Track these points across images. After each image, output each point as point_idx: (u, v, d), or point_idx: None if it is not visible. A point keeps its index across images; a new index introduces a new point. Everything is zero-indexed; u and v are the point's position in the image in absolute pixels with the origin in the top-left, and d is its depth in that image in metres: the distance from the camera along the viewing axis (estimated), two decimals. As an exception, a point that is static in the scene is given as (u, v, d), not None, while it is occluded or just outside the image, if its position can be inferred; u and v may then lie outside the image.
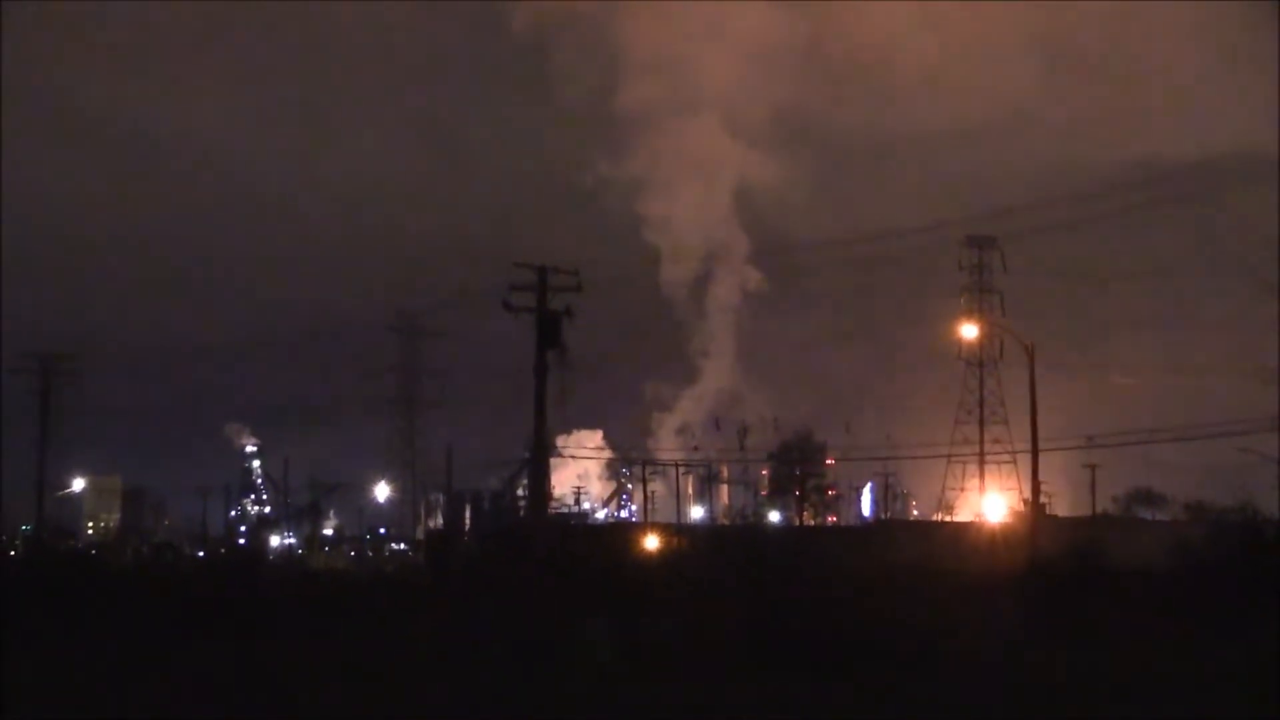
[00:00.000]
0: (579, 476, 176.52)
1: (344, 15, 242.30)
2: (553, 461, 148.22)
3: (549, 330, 67.37)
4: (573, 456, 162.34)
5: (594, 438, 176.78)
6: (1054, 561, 54.25)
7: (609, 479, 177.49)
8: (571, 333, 67.97)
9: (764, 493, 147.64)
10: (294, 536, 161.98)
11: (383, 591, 59.78)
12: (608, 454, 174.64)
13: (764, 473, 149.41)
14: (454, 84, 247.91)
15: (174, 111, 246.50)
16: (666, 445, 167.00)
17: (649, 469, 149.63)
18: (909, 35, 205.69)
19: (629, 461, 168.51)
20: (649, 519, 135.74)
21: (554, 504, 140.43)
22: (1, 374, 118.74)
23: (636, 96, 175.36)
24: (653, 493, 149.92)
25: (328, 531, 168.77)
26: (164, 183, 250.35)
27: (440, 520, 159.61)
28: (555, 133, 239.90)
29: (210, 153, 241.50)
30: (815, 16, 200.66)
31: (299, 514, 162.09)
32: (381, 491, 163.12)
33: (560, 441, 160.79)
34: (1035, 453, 73.50)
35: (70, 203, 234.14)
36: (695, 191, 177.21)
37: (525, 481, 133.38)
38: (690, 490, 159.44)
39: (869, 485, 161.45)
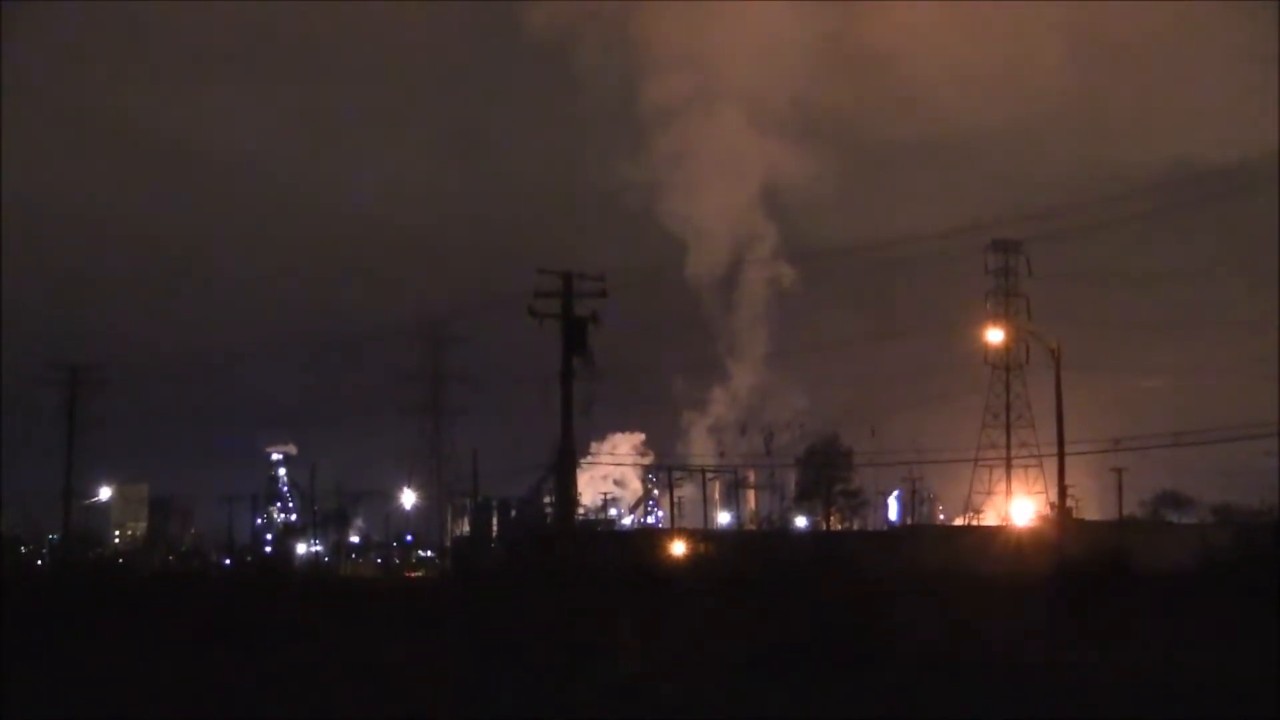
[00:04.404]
0: (615, 481, 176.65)
1: (363, 22, 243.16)
2: (585, 465, 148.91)
3: (575, 336, 67.43)
4: (596, 462, 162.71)
5: (632, 440, 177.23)
6: (1081, 565, 54.17)
7: (653, 481, 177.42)
8: (600, 336, 68.04)
9: (791, 498, 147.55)
10: (321, 544, 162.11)
11: (410, 597, 59.81)
12: (632, 460, 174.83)
13: (793, 480, 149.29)
14: (474, 88, 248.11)
15: (201, 119, 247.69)
16: (699, 445, 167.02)
17: (676, 474, 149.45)
18: (936, 34, 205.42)
19: (655, 468, 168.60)
20: (676, 525, 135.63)
21: (581, 510, 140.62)
22: (4, 382, 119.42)
23: (659, 95, 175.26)
24: (680, 499, 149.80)
25: (354, 539, 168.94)
26: (190, 190, 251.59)
27: (467, 527, 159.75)
28: (578, 135, 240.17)
29: (236, 160, 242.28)
30: (840, 14, 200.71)
31: (325, 521, 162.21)
32: (408, 498, 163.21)
33: (595, 446, 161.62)
34: (1061, 456, 73.39)
35: (98, 211, 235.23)
36: (721, 189, 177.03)
37: (552, 487, 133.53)
38: (717, 495, 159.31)
39: (896, 490, 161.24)
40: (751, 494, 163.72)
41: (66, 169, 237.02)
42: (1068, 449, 74.02)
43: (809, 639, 35.29)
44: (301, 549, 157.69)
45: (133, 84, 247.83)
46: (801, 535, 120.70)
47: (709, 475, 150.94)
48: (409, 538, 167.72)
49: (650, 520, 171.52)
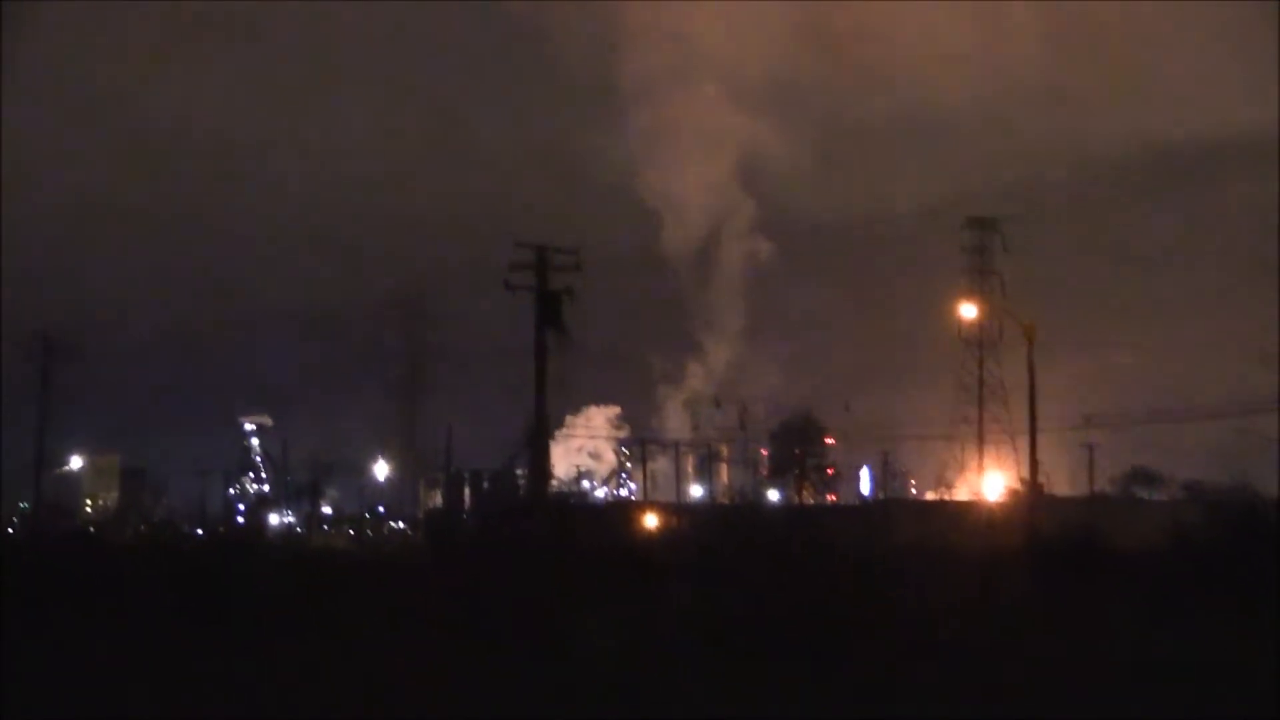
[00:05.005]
0: (590, 454, 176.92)
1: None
2: (559, 438, 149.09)
3: (549, 310, 67.49)
4: (570, 435, 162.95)
5: (607, 413, 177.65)
6: (1052, 542, 54.37)
7: (625, 454, 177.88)
8: (576, 310, 68.13)
9: (764, 472, 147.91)
10: (293, 515, 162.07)
11: (384, 571, 59.73)
12: (607, 433, 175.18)
13: (764, 452, 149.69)
14: (451, 62, 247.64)
15: (172, 92, 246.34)
16: (674, 419, 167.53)
17: (650, 447, 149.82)
18: (912, 11, 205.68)
19: (628, 441, 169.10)
20: (649, 498, 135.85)
21: (554, 483, 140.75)
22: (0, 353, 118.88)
23: (636, 70, 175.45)
24: (653, 472, 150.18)
25: (327, 510, 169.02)
26: (162, 162, 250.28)
27: (440, 500, 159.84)
28: (555, 109, 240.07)
29: (208, 132, 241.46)
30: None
31: (298, 493, 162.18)
32: (381, 470, 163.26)
33: (570, 419, 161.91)
34: (1033, 433, 73.72)
35: (70, 181, 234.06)
36: (698, 164, 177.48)
37: (525, 460, 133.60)
38: (690, 469, 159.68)
39: (867, 465, 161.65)
40: (724, 468, 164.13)
41: (37, 140, 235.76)
42: (1039, 425, 74.34)
43: (780, 617, 35.40)
44: (274, 520, 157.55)
45: (101, 53, 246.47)
46: (774, 509, 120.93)
47: (682, 449, 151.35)
48: (381, 509, 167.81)
49: (623, 493, 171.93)
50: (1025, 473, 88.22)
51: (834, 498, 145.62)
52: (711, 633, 34.50)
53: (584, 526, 78.08)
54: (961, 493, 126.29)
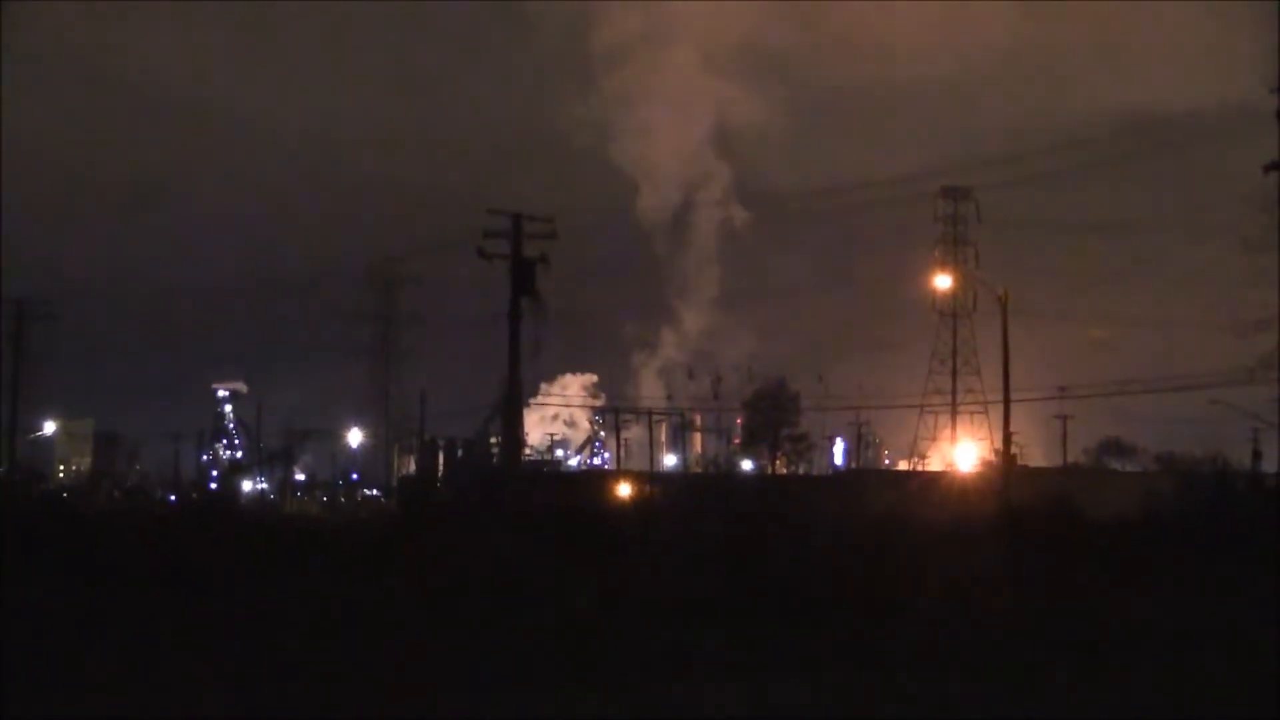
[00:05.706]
0: (565, 423, 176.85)
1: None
2: (534, 406, 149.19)
3: (523, 277, 67.41)
4: (543, 403, 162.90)
5: (582, 381, 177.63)
6: (1025, 511, 54.52)
7: (599, 422, 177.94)
8: (549, 277, 68.09)
9: (737, 441, 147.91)
10: (266, 482, 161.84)
11: (357, 537, 59.66)
12: (582, 400, 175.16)
13: (738, 422, 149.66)
14: (425, 27, 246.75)
15: (151, 56, 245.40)
16: (649, 387, 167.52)
17: (624, 416, 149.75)
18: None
19: (601, 410, 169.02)
20: (622, 467, 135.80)
21: (528, 451, 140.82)
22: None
23: (610, 35, 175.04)
24: (626, 440, 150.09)
25: (300, 477, 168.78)
26: (139, 125, 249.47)
27: (414, 467, 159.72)
28: (529, 75, 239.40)
29: (186, 96, 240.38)
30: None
31: (271, 459, 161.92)
32: (355, 438, 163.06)
33: (545, 387, 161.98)
34: (1007, 403, 73.85)
35: (46, 144, 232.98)
36: (672, 130, 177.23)
37: (499, 427, 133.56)
38: (664, 438, 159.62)
39: (840, 435, 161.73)
40: (698, 437, 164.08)
41: (15, 98, 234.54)
42: (1013, 396, 74.51)
43: (754, 584, 35.45)
44: (247, 486, 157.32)
45: (75, 16, 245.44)
46: (746, 478, 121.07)
47: (655, 417, 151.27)
48: (355, 476, 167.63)
49: (596, 461, 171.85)
50: (999, 443, 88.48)
51: (806, 467, 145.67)
52: (682, 601, 34.53)
53: (557, 495, 78.19)
54: (934, 463, 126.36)
